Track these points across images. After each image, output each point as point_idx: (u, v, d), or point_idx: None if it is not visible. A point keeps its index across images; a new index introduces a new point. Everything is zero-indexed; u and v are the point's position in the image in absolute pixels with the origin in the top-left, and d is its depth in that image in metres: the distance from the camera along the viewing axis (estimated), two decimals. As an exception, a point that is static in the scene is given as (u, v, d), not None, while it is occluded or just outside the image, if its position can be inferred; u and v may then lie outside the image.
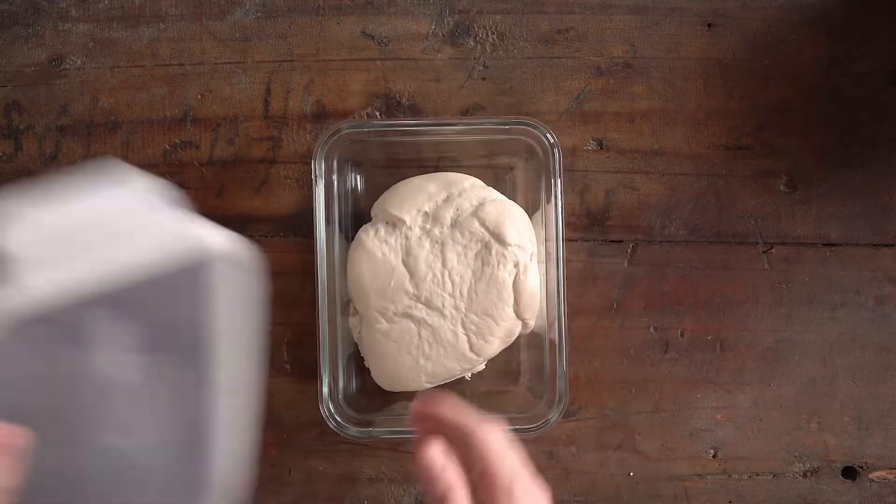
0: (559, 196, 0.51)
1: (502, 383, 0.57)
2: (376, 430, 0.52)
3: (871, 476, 0.58)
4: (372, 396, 0.57)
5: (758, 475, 0.58)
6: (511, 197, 0.56)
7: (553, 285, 0.52)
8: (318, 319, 0.52)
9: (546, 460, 0.58)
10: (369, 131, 0.52)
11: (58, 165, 0.58)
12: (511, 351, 0.56)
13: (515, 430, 0.51)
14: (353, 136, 0.52)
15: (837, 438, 0.58)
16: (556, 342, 0.51)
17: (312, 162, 0.51)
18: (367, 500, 0.58)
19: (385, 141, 0.54)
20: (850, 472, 0.58)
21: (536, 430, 0.51)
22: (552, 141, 0.50)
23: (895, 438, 0.58)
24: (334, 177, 0.53)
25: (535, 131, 0.51)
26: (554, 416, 0.51)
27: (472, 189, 0.54)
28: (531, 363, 0.56)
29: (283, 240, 0.57)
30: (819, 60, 0.57)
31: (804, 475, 0.58)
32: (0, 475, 0.33)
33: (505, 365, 0.57)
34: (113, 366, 0.35)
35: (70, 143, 0.58)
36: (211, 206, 0.57)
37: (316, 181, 0.51)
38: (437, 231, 0.53)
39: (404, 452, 0.58)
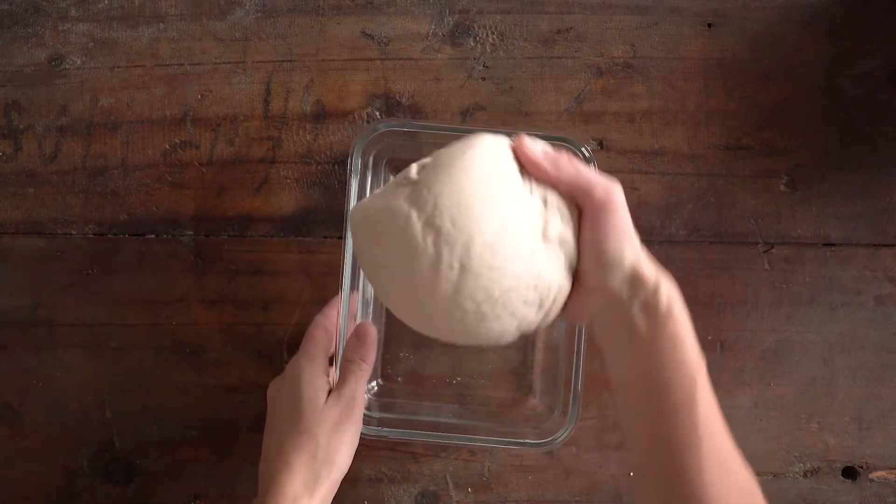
0: None
1: (516, 394, 0.57)
2: (388, 430, 0.51)
3: (871, 476, 0.58)
4: (377, 395, 0.57)
5: (758, 475, 0.57)
6: None
7: None
8: (339, 317, 0.50)
9: (546, 460, 0.58)
10: (406, 131, 0.51)
11: (58, 165, 0.58)
12: (526, 362, 0.57)
13: (524, 445, 0.51)
14: (388, 136, 0.50)
15: (838, 438, 0.58)
16: (573, 366, 0.50)
17: (349, 158, 0.50)
18: (367, 500, 0.58)
19: (418, 143, 0.53)
20: (850, 472, 0.58)
21: (545, 445, 0.51)
22: (588, 156, 0.49)
23: (895, 438, 0.57)
24: (369, 173, 0.52)
25: (571, 147, 0.49)
26: (564, 434, 0.50)
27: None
28: (545, 376, 0.56)
29: (283, 240, 0.57)
30: (819, 60, 0.57)
31: (804, 475, 0.58)
32: (369, 357, 0.47)
33: (520, 377, 0.57)
34: None
35: (70, 142, 0.58)
36: (211, 206, 0.57)
37: (350, 177, 0.50)
38: None
39: (404, 453, 0.58)
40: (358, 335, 0.48)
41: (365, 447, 0.58)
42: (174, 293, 0.58)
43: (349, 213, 0.47)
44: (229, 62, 0.58)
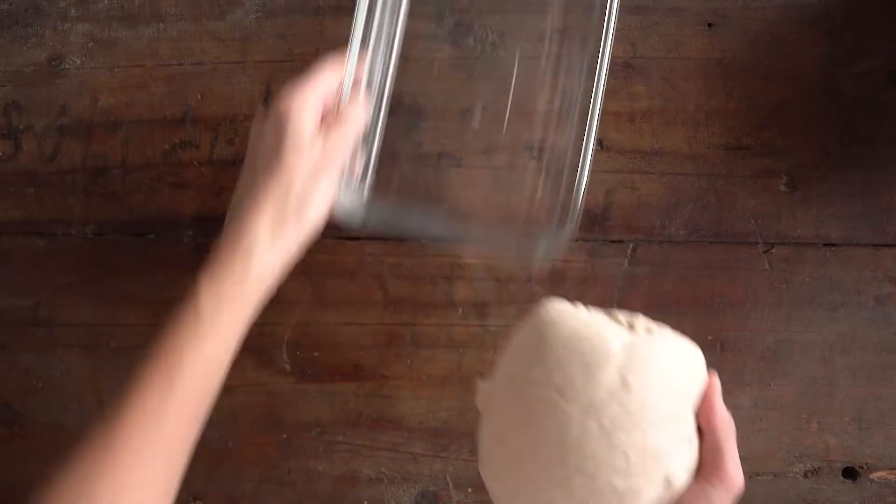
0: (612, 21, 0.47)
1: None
2: (377, 217, 0.47)
3: (871, 476, 0.58)
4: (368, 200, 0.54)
5: (758, 475, 0.58)
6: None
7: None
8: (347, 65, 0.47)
9: (546, 460, 0.58)
10: None
11: (58, 165, 0.58)
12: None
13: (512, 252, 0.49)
14: None
15: (838, 438, 0.58)
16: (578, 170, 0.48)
17: None
18: (367, 501, 0.58)
19: None
20: (850, 473, 0.58)
21: (532, 252, 0.48)
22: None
23: (895, 438, 0.57)
24: None
25: None
26: (551, 243, 0.48)
27: None
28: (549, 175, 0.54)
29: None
30: (819, 60, 0.57)
31: (805, 475, 0.58)
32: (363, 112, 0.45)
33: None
34: None
35: (70, 143, 0.58)
36: (211, 207, 0.57)
37: None
38: None
39: (403, 453, 0.58)
40: (351, 99, 0.46)
41: (365, 447, 0.58)
42: (174, 293, 0.58)
43: (541, 307, 0.43)
44: (229, 62, 0.58)
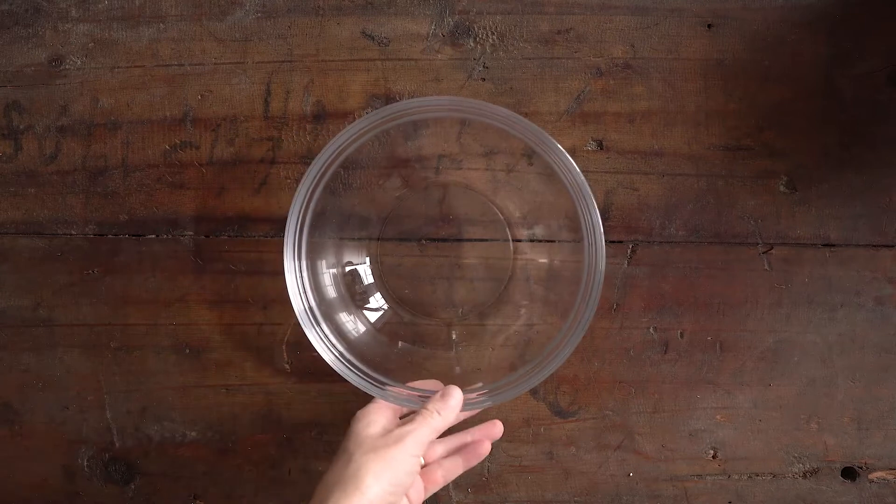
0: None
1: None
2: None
3: (870, 477, 0.58)
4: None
5: (757, 476, 0.58)
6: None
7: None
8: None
9: (546, 460, 0.58)
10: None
11: (58, 165, 0.58)
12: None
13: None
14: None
15: (837, 439, 0.58)
16: None
17: None
18: (367, 501, 0.58)
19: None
20: (849, 473, 0.58)
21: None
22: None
23: (894, 439, 0.58)
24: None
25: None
26: None
27: None
28: None
29: (283, 240, 0.57)
30: (819, 60, 0.57)
31: (804, 476, 0.58)
32: (445, 412, 0.49)
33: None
34: None
35: (70, 143, 0.58)
36: (211, 207, 0.57)
37: None
38: None
39: (404, 453, 0.58)
40: (443, 394, 0.49)
41: (365, 447, 0.58)
42: (174, 293, 0.58)
43: None
44: (229, 62, 0.58)
